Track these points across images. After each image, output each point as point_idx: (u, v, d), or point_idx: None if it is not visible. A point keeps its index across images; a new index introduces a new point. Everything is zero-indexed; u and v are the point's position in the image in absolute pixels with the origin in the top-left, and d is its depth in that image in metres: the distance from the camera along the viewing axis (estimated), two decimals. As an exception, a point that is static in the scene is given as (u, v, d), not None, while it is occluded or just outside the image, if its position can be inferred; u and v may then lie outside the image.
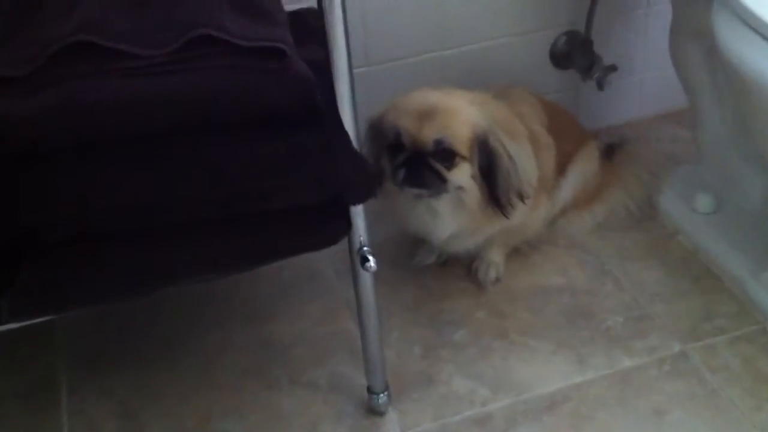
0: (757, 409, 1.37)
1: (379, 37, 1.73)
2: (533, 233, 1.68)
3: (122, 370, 1.50)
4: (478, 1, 1.75)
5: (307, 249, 1.19)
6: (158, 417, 1.42)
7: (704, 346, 1.48)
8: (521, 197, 1.47)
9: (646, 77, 1.99)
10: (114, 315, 1.58)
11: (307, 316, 1.59)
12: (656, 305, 1.57)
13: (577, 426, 1.37)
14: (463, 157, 1.43)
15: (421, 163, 1.41)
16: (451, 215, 1.49)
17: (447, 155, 1.41)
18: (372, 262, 1.22)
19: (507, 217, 1.47)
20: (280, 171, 1.08)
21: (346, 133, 1.13)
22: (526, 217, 1.58)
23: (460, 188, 1.45)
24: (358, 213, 1.20)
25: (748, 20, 1.27)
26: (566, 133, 1.69)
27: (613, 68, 1.83)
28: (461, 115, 1.43)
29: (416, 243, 1.68)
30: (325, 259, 1.66)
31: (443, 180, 1.42)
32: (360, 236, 1.22)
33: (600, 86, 1.83)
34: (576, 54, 1.85)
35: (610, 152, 1.82)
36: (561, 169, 1.68)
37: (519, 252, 1.69)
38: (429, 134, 1.40)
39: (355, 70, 1.13)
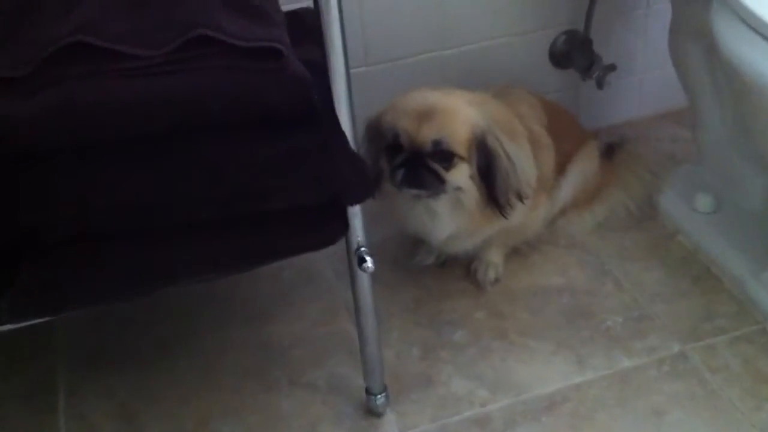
0: (757, 409, 1.37)
1: (378, 36, 1.73)
2: (533, 233, 1.68)
3: (121, 371, 1.50)
4: (477, 0, 1.75)
5: (306, 249, 1.19)
6: (157, 418, 1.42)
7: (704, 346, 1.48)
8: (520, 197, 1.47)
9: (645, 77, 1.98)
10: (113, 316, 1.58)
11: (306, 317, 1.59)
12: (656, 305, 1.57)
13: (576, 426, 1.36)
14: (462, 158, 1.42)
15: (419, 164, 1.41)
16: (450, 216, 1.49)
17: (445, 156, 1.41)
18: (369, 262, 1.22)
19: (506, 218, 1.47)
20: (277, 171, 1.08)
21: (343, 133, 1.13)
22: (526, 217, 1.58)
23: (458, 189, 1.45)
24: (355, 213, 1.20)
25: (747, 19, 1.27)
26: (566, 133, 1.69)
27: (612, 67, 1.83)
28: (460, 116, 1.43)
29: (415, 243, 1.68)
30: (324, 260, 1.66)
31: (442, 181, 1.42)
32: (357, 236, 1.22)
33: (599, 86, 1.83)
34: (575, 53, 1.85)
35: (609, 152, 1.82)
36: (561, 168, 1.68)
37: (518, 252, 1.69)
38: (427, 135, 1.40)
39: (354, 70, 1.13)
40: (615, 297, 1.59)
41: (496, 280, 1.64)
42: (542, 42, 1.86)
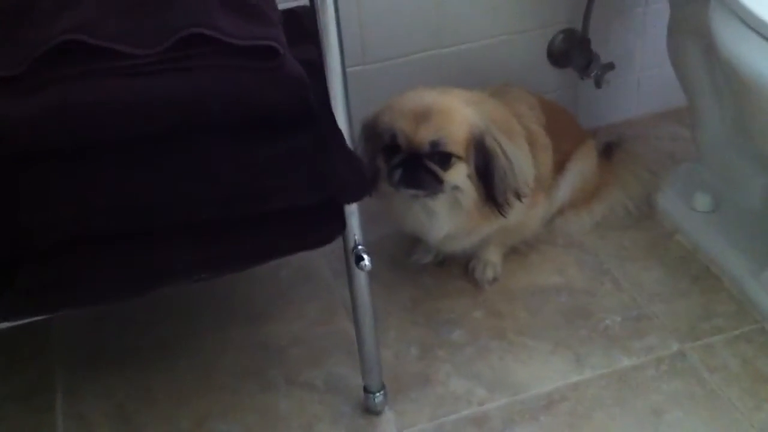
0: (756, 409, 1.36)
1: (376, 35, 1.72)
2: (531, 233, 1.67)
3: (120, 371, 1.50)
4: (475, -1, 1.75)
5: (303, 248, 1.19)
6: (155, 418, 1.42)
7: (703, 345, 1.48)
8: (518, 197, 1.46)
9: (644, 75, 1.98)
10: (112, 315, 1.58)
11: (304, 317, 1.59)
12: (655, 305, 1.56)
13: (574, 426, 1.36)
14: (460, 158, 1.42)
15: (417, 164, 1.40)
16: (448, 215, 1.49)
17: (443, 156, 1.41)
18: (366, 261, 1.22)
19: (504, 217, 1.47)
20: (274, 170, 1.07)
21: (339, 132, 1.13)
22: (524, 216, 1.57)
23: (456, 188, 1.44)
24: (352, 212, 1.20)
25: (745, 19, 1.27)
26: (564, 132, 1.68)
27: (610, 66, 1.83)
28: (457, 116, 1.42)
29: (413, 242, 1.68)
30: (322, 259, 1.66)
31: (439, 181, 1.42)
32: (354, 235, 1.22)
33: (598, 84, 1.83)
34: (574, 52, 1.85)
35: (608, 151, 1.82)
36: (559, 168, 1.67)
37: (517, 251, 1.69)
38: (425, 135, 1.40)
39: (351, 69, 1.12)
40: (613, 296, 1.59)
41: (495, 280, 1.63)
42: (540, 41, 1.85)
